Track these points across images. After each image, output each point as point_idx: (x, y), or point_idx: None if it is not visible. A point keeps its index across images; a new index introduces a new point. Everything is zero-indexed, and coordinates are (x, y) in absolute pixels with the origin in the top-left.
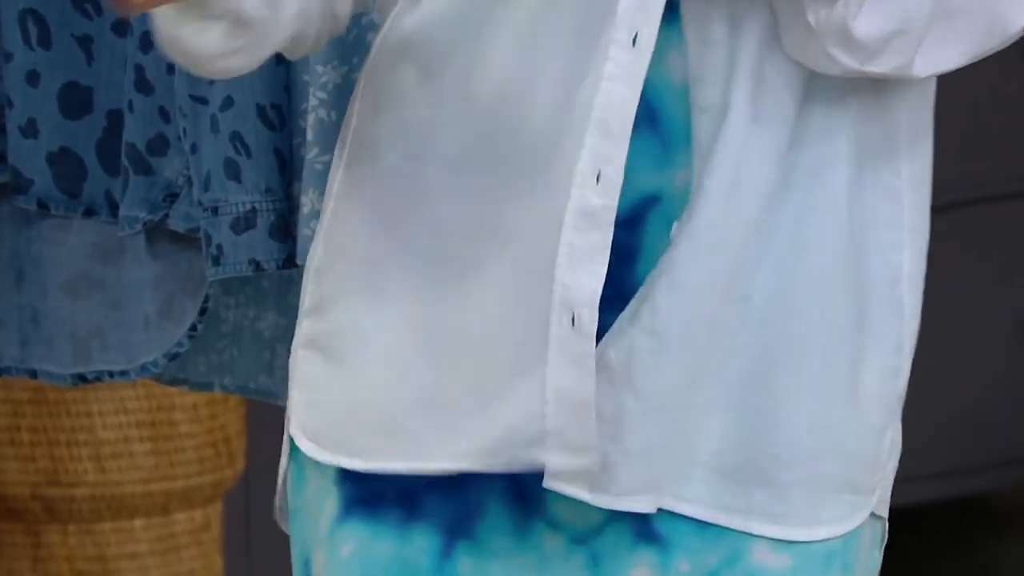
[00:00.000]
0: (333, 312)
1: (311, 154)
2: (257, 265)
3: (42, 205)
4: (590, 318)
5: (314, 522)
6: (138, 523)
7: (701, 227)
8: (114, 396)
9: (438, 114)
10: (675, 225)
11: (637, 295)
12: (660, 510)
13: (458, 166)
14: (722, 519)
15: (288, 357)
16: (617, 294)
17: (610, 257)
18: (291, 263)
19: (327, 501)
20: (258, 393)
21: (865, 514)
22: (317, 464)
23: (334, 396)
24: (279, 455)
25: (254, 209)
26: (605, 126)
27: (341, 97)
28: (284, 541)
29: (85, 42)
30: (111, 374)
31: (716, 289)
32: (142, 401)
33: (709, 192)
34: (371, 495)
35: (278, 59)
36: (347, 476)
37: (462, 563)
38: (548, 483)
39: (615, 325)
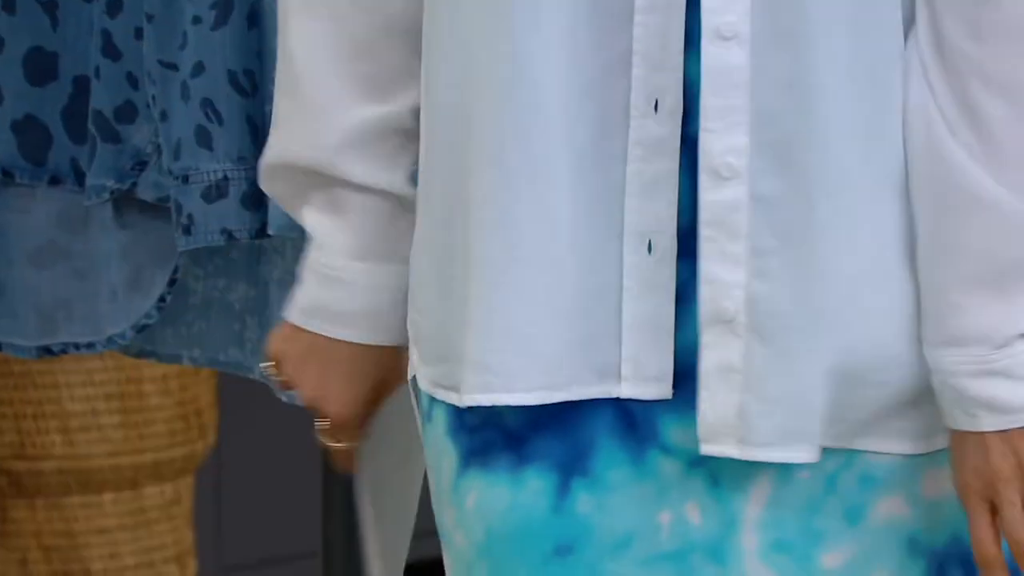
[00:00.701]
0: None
1: None
2: (229, 235)
3: (6, 173)
4: (669, 245)
5: (437, 478)
6: (107, 497)
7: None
8: (81, 368)
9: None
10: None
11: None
12: None
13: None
14: (833, 443)
15: (258, 329)
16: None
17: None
18: (263, 232)
19: (444, 456)
20: (228, 366)
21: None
22: (430, 421)
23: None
24: (251, 428)
25: (226, 177)
26: (650, 58)
27: None
28: (255, 515)
29: (50, 6)
30: (77, 346)
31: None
32: (110, 373)
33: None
34: (483, 444)
35: (250, 23)
36: (460, 428)
37: (580, 500)
38: (704, 449)
39: (720, 271)
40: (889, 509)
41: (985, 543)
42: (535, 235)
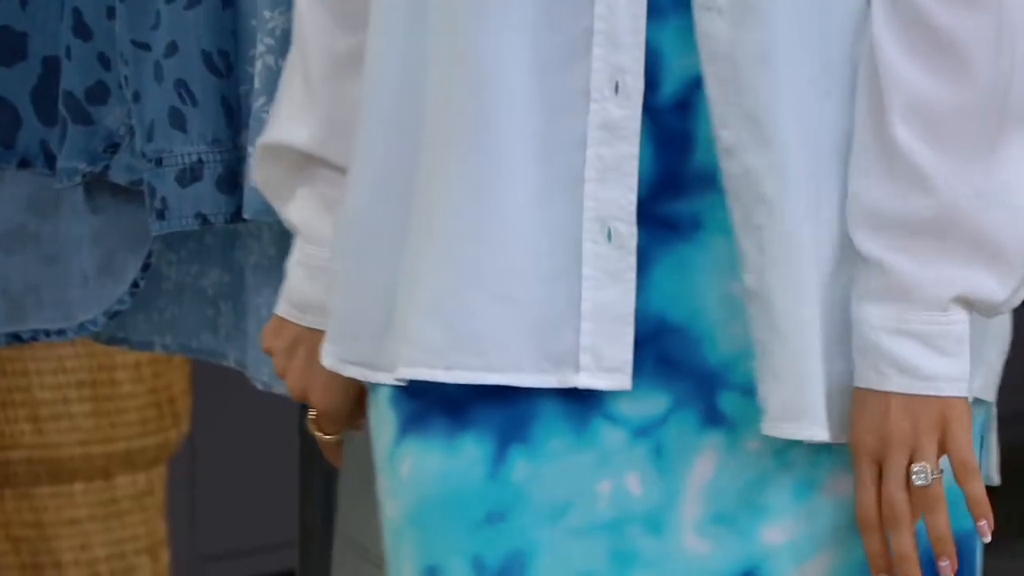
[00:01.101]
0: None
1: (258, 103)
2: (204, 219)
3: None
4: (628, 232)
5: (376, 449)
6: (78, 487)
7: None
8: (51, 354)
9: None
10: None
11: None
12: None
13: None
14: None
15: (233, 315)
16: (678, 182)
17: (666, 144)
18: (238, 217)
19: (384, 426)
20: (200, 352)
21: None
22: (374, 392)
23: (351, 309)
24: (226, 415)
25: (200, 160)
26: (612, 37)
27: (289, 43)
28: (230, 504)
29: None
30: (47, 333)
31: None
32: (82, 360)
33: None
34: (422, 411)
35: (224, 2)
36: (400, 396)
37: (517, 467)
38: (767, 430)
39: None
40: (840, 486)
41: (867, 505)
42: (491, 218)
